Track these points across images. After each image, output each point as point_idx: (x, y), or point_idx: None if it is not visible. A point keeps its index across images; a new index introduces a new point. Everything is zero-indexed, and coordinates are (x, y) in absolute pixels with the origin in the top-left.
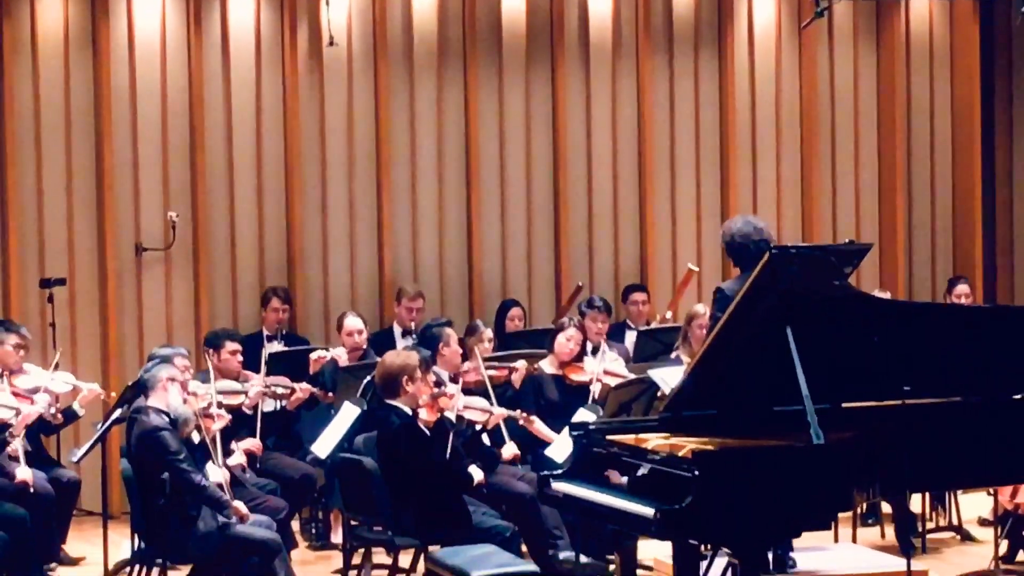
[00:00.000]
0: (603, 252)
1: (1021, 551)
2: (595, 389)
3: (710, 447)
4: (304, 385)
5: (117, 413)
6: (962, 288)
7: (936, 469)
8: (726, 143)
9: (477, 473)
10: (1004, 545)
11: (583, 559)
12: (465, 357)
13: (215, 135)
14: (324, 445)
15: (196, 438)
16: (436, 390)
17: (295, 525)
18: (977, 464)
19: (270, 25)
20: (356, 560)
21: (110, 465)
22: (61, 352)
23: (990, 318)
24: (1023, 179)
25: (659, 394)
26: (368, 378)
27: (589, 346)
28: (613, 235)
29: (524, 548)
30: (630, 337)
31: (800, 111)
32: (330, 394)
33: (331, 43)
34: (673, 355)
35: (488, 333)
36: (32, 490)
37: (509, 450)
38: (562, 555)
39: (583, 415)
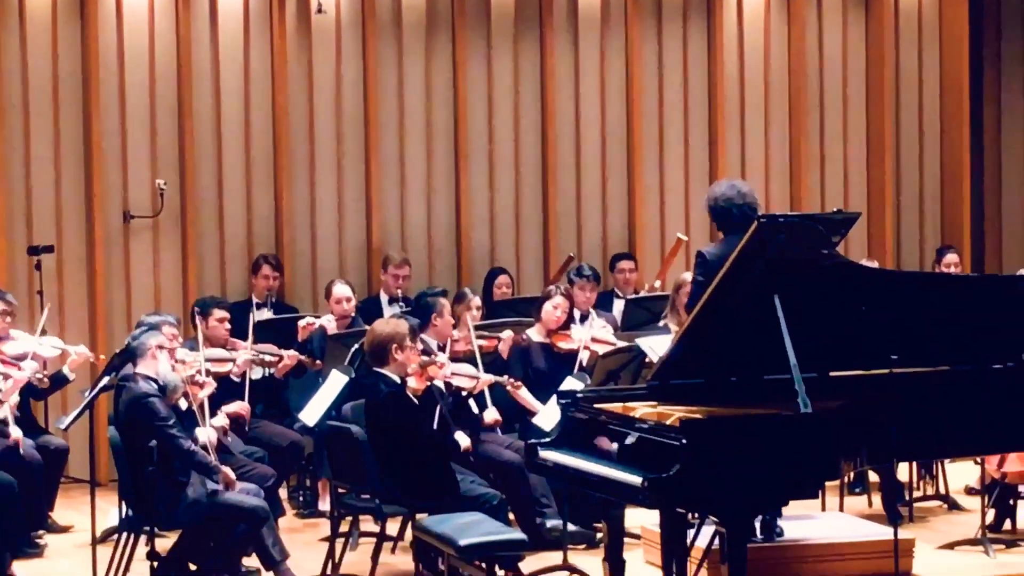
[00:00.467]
0: (591, 220)
1: (1008, 520)
2: (583, 357)
3: (698, 415)
4: (291, 352)
5: (105, 380)
6: (951, 257)
7: (923, 438)
8: (715, 113)
9: (463, 440)
10: (991, 514)
11: (571, 527)
12: (454, 326)
13: (203, 103)
14: (312, 413)
15: (184, 405)
16: (425, 358)
17: (283, 493)
18: (964, 433)
19: None
20: (344, 528)
21: (98, 432)
22: (50, 307)
23: (978, 287)
24: (1011, 149)
25: (646, 362)
26: (356, 346)
27: (577, 314)
28: (601, 204)
29: (512, 516)
30: (618, 306)
31: (789, 81)
32: (318, 362)
33: (319, 10)
34: (661, 323)
35: (476, 301)
36: (21, 450)
37: (490, 415)
38: (550, 523)
39: (571, 383)
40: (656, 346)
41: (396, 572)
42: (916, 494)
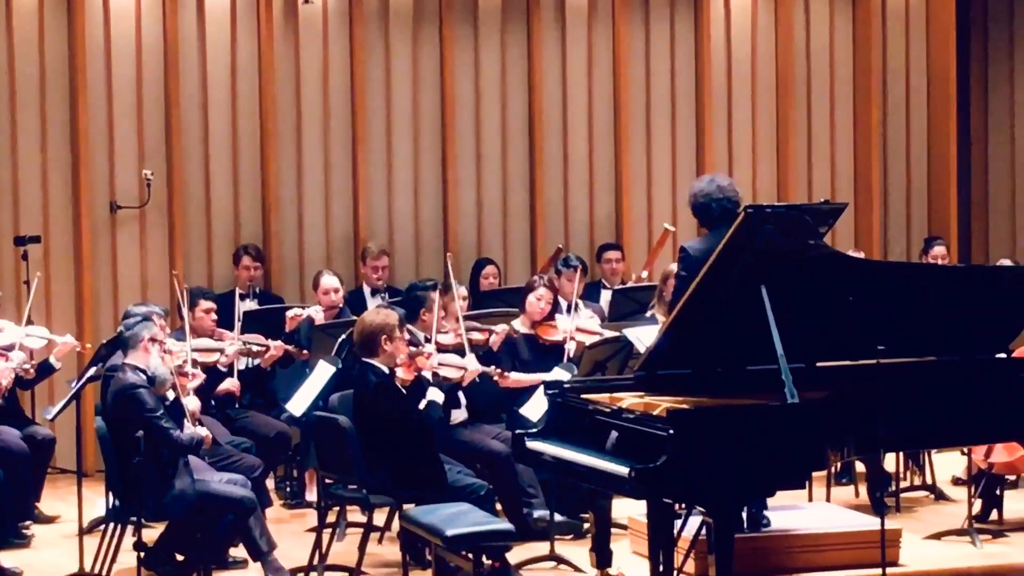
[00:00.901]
0: (578, 211)
1: (994, 510)
2: (569, 347)
3: (685, 406)
4: (278, 343)
5: (92, 371)
6: (939, 250)
7: (910, 428)
8: (702, 103)
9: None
10: (978, 504)
11: (557, 517)
12: (444, 318)
13: (190, 93)
14: (299, 403)
15: (171, 395)
16: (413, 349)
17: (270, 483)
18: (951, 424)
19: None
20: (331, 518)
21: (85, 423)
22: (39, 277)
23: (964, 278)
24: (998, 139)
25: (634, 352)
26: (343, 336)
27: (564, 304)
28: (588, 194)
29: (499, 507)
30: (605, 296)
31: (776, 71)
32: (305, 352)
33: (306, 1)
34: (648, 314)
35: (462, 291)
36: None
37: (459, 416)
38: (536, 513)
39: (558, 374)
40: (643, 336)
41: (383, 562)
42: (903, 484)
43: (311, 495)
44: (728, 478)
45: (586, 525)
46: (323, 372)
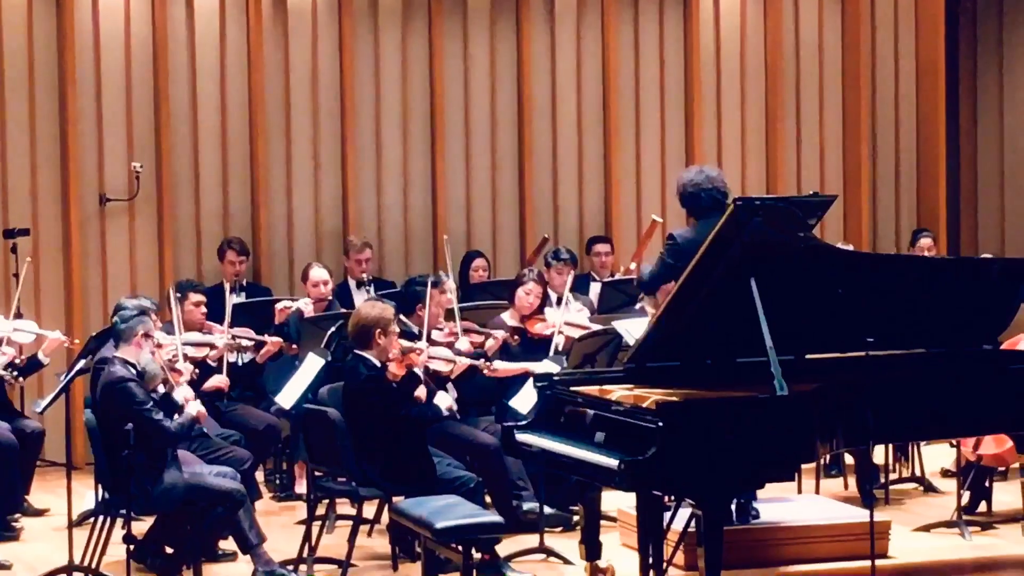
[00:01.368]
0: (568, 203)
1: (983, 502)
2: (558, 340)
3: (674, 398)
4: (275, 339)
5: (81, 364)
6: (926, 241)
7: (899, 421)
8: (691, 96)
9: (444, 400)
10: (966, 496)
11: (547, 510)
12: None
13: (179, 86)
14: (288, 396)
15: (161, 389)
16: (406, 343)
17: (259, 476)
18: (940, 416)
19: None
20: (320, 511)
21: (74, 416)
22: (29, 262)
23: (953, 270)
24: (987, 132)
25: (623, 344)
26: (333, 329)
27: (554, 297)
28: (578, 187)
29: (488, 499)
30: (594, 288)
31: (765, 63)
32: (294, 345)
33: None
34: (637, 306)
35: (451, 284)
36: None
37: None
38: (526, 506)
39: (547, 366)
40: (632, 329)
41: (373, 555)
42: (892, 476)
43: (300, 488)
44: (717, 470)
45: (576, 517)
46: (313, 365)
